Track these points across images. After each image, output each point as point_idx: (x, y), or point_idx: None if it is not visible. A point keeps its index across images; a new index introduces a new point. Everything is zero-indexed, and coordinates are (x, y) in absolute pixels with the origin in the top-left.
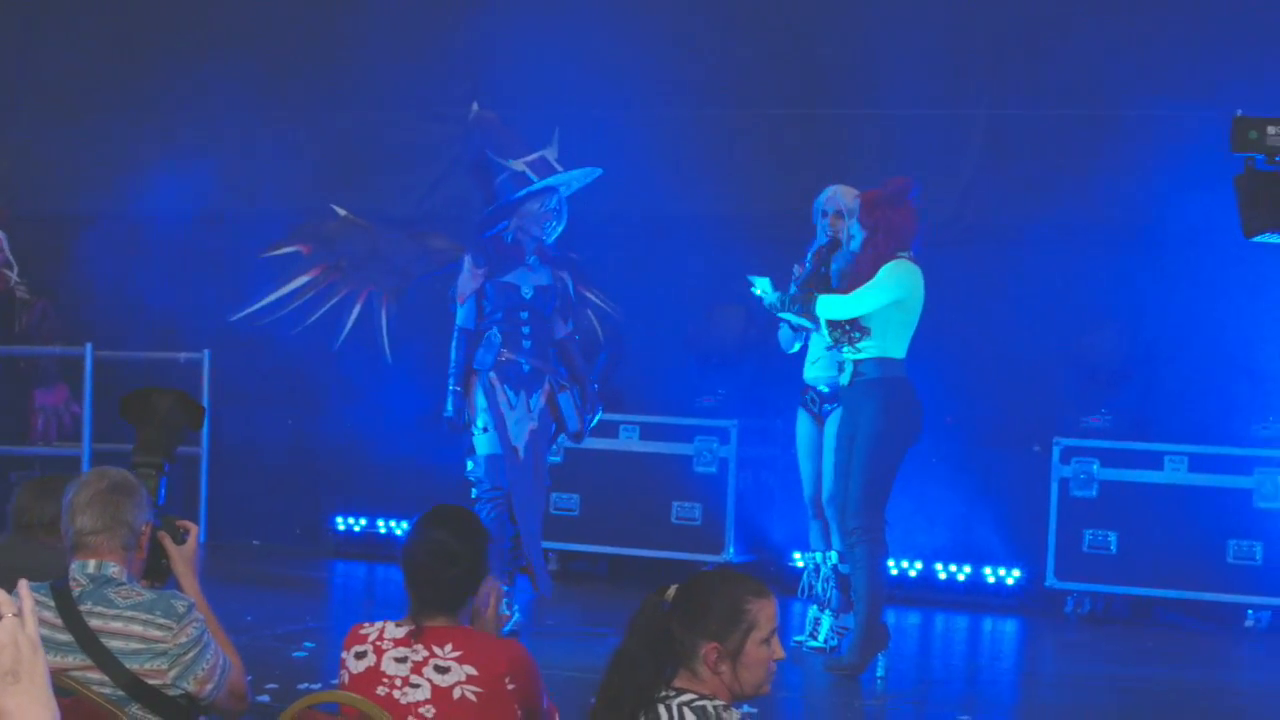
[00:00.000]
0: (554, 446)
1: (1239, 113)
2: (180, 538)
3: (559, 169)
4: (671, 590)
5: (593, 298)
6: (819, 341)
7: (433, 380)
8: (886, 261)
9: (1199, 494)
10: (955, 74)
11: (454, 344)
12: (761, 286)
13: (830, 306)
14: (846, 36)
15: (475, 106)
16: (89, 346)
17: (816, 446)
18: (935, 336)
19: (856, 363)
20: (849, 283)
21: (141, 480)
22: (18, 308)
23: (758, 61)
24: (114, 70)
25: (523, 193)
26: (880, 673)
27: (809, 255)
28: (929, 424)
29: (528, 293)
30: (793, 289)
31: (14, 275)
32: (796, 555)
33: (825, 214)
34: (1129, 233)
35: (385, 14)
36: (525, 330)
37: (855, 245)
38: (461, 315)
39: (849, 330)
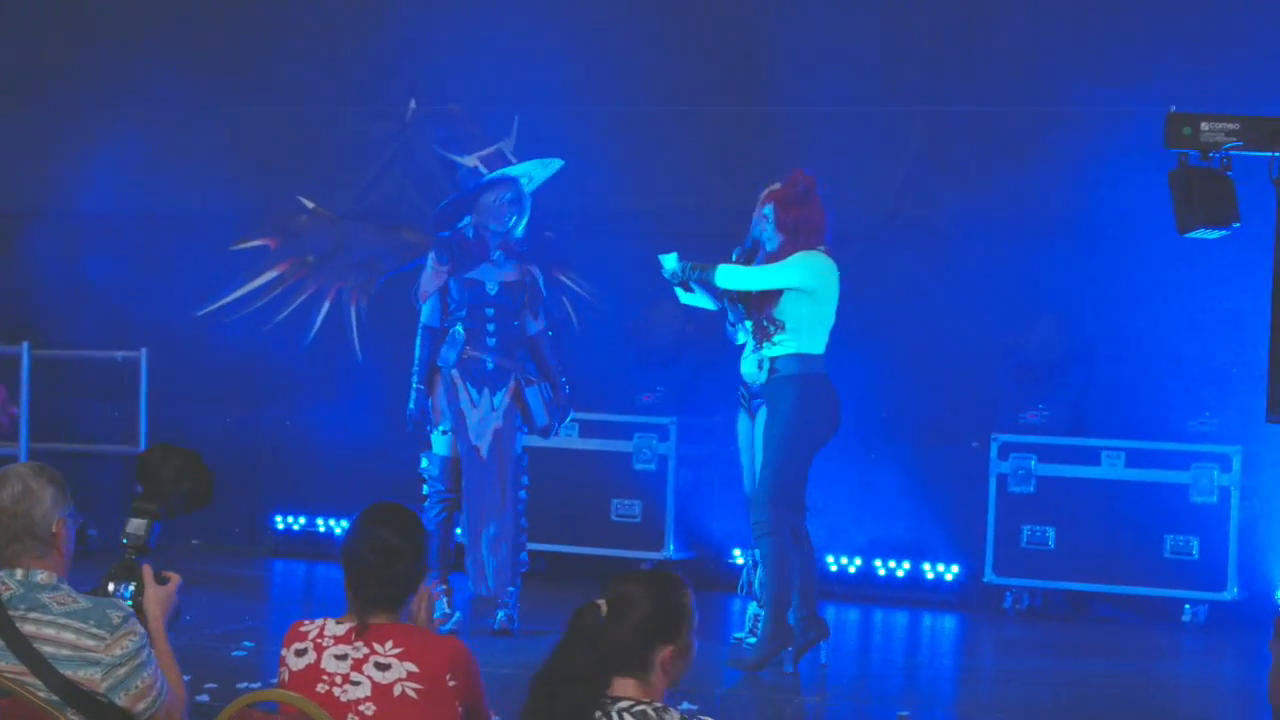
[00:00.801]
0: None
1: (1173, 109)
2: (161, 580)
3: (513, 161)
4: (604, 604)
5: (567, 281)
6: (746, 337)
7: (378, 377)
8: (798, 250)
9: (1136, 489)
10: (891, 70)
11: (418, 341)
12: (667, 262)
13: (730, 276)
14: (782, 33)
15: (413, 103)
16: (25, 345)
17: (751, 442)
18: (872, 332)
19: (773, 359)
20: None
21: (137, 515)
22: None
23: (694, 58)
24: (51, 64)
25: (475, 186)
26: (789, 668)
27: (733, 256)
28: (867, 420)
29: (492, 289)
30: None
31: None
32: (736, 552)
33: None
34: (1065, 228)
35: (324, 9)
36: (490, 327)
37: (773, 246)
38: (425, 312)
39: (765, 326)
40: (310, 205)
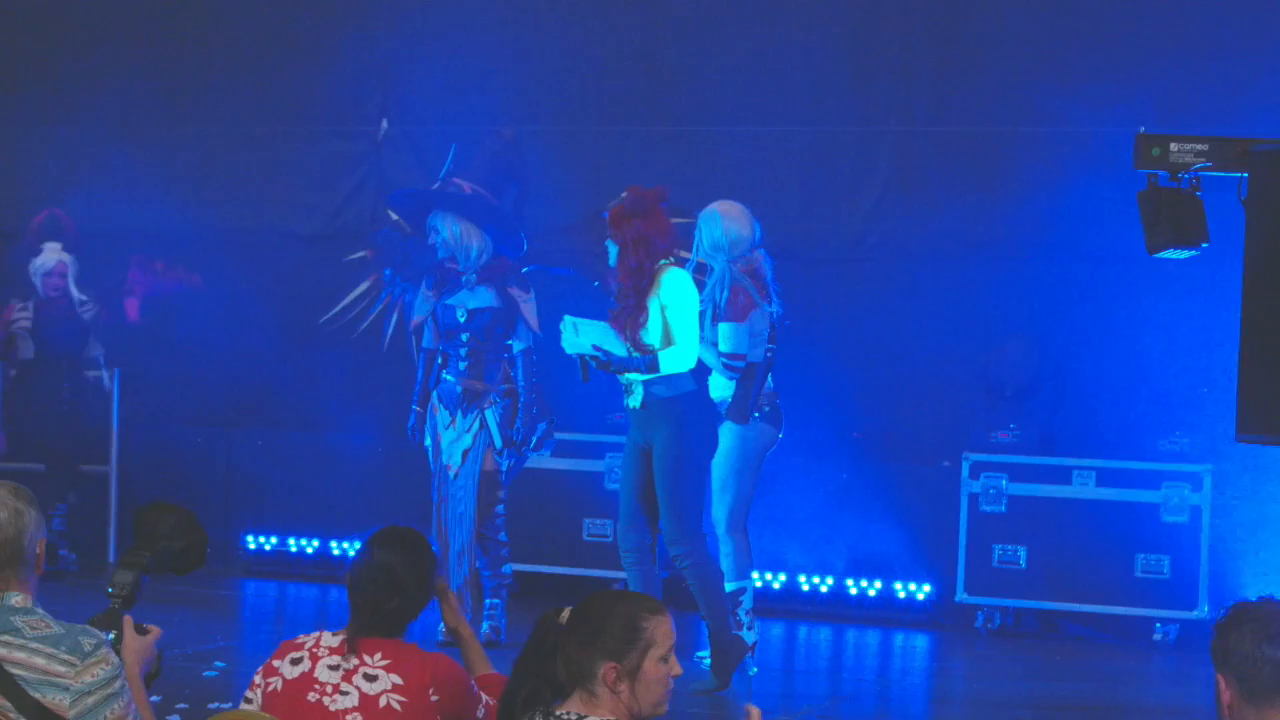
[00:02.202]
0: (502, 461)
1: (1142, 129)
2: (141, 632)
3: (463, 189)
4: (566, 613)
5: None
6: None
7: (352, 396)
8: (650, 273)
9: (1107, 508)
10: (861, 90)
11: (419, 363)
12: (577, 343)
13: (672, 360)
14: (753, 52)
15: (385, 124)
16: (1, 365)
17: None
18: (843, 353)
19: (646, 384)
20: (633, 308)
21: (124, 568)
22: (89, 328)
23: (663, 77)
24: (28, 84)
25: (427, 197)
26: (753, 671)
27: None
28: (839, 440)
29: (461, 315)
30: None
31: (76, 294)
32: None
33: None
34: (1035, 249)
35: (296, 30)
36: (462, 351)
37: (612, 260)
38: (425, 336)
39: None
40: (394, 218)
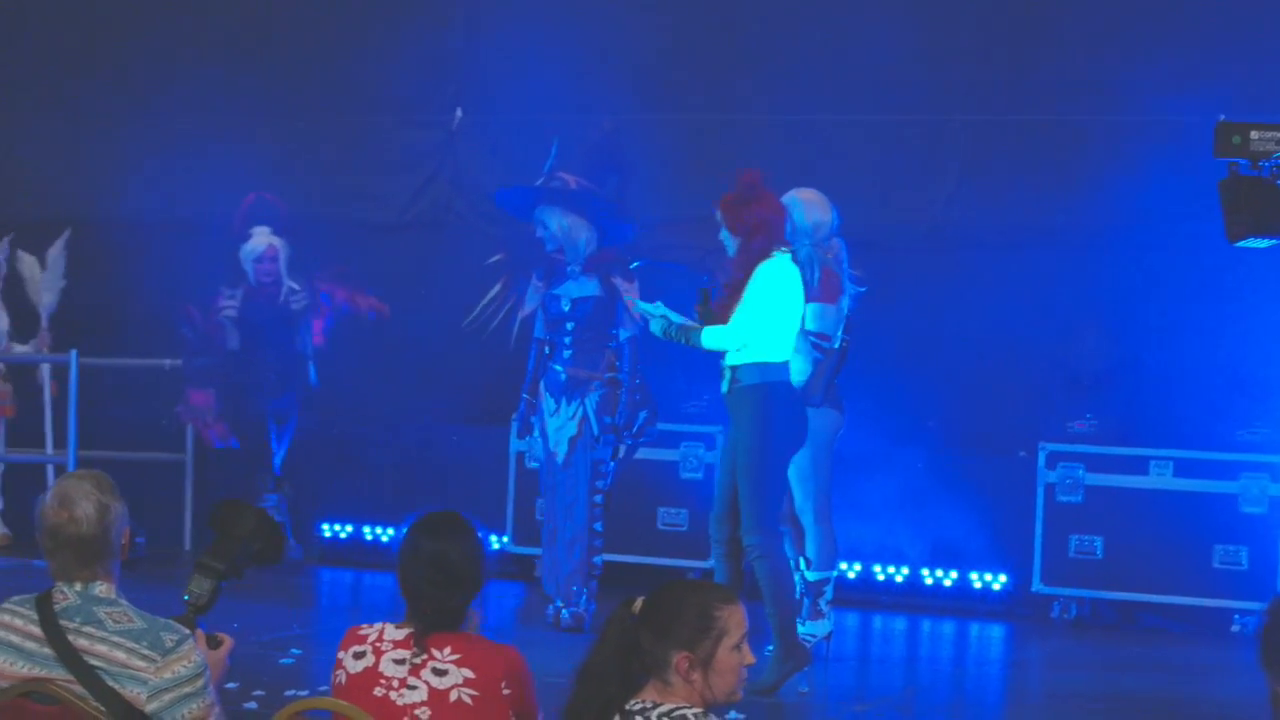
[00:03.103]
0: (603, 451)
1: (1223, 117)
2: (214, 644)
3: (570, 184)
4: (639, 602)
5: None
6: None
7: (426, 384)
8: (760, 259)
9: (1185, 499)
10: (936, 80)
11: (530, 353)
12: (653, 316)
13: (715, 338)
14: (827, 42)
15: (459, 113)
16: (74, 353)
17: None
18: (920, 343)
19: (734, 369)
20: (730, 292)
21: (202, 575)
22: (295, 316)
23: (740, 66)
24: (96, 72)
25: (536, 195)
26: (804, 688)
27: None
28: (915, 430)
29: (565, 305)
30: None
31: (287, 282)
32: None
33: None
34: (1114, 237)
35: (369, 19)
36: (567, 340)
37: (732, 251)
38: (536, 326)
39: None
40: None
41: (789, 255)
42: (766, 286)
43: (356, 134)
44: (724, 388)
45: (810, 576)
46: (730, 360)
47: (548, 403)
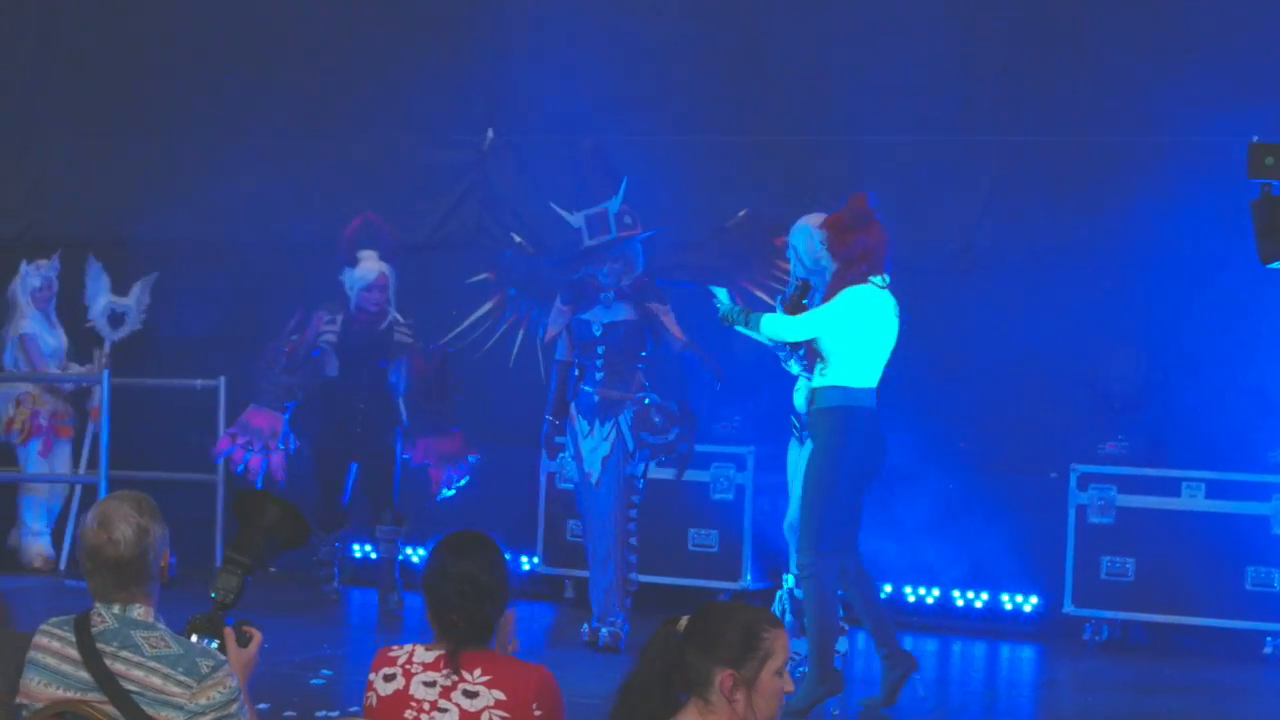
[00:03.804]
0: (636, 467)
1: (1255, 139)
2: (244, 640)
3: (611, 224)
4: (684, 621)
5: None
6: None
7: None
8: (851, 284)
9: (1217, 521)
10: (968, 100)
11: (552, 374)
12: (722, 295)
13: (773, 326)
14: (857, 62)
15: (490, 133)
16: (106, 374)
17: (799, 471)
18: (949, 363)
19: (815, 390)
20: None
21: (229, 572)
22: (394, 349)
23: (769, 87)
24: (134, 94)
25: (578, 251)
26: (835, 710)
27: (778, 301)
28: (946, 450)
29: (597, 330)
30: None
31: (393, 313)
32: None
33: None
34: (1145, 258)
35: (400, 40)
36: (599, 363)
37: (829, 275)
38: (558, 349)
39: (813, 359)
40: (518, 240)
41: (885, 284)
42: (849, 307)
43: (388, 154)
44: (800, 404)
45: (799, 594)
46: (814, 382)
47: (581, 425)
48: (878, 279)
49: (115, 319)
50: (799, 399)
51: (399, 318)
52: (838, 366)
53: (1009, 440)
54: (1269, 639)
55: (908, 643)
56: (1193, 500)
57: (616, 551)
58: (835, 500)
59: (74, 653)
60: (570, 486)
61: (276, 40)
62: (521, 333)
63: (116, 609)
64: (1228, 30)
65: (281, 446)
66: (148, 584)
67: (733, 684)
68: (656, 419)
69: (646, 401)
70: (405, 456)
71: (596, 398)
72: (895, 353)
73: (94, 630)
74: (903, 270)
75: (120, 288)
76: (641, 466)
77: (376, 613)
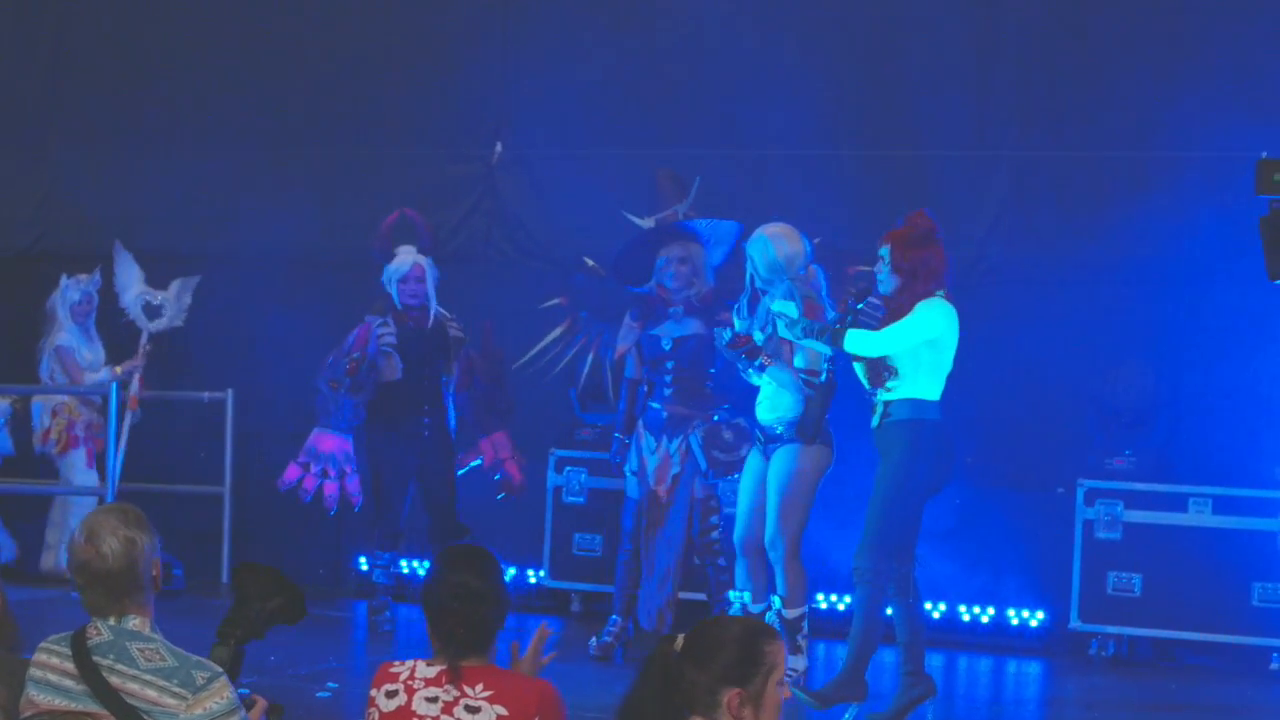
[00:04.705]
0: (714, 485)
1: (1264, 155)
2: (247, 704)
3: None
4: (680, 639)
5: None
6: (764, 382)
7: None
8: (924, 298)
9: (1224, 536)
10: (980, 115)
11: (622, 391)
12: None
13: (859, 342)
14: (872, 78)
15: (499, 146)
16: (114, 385)
17: (757, 484)
18: (958, 377)
19: (886, 403)
20: (889, 318)
21: (223, 644)
22: (453, 346)
23: (776, 101)
24: (132, 105)
25: (646, 232)
26: (850, 717)
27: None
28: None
29: (666, 344)
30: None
31: (436, 309)
32: (819, 596)
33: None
34: (1154, 274)
35: (409, 53)
36: (667, 379)
37: (887, 289)
38: (627, 366)
39: (881, 371)
40: (590, 263)
41: (945, 300)
42: (928, 320)
43: (396, 167)
44: (874, 422)
45: (788, 614)
46: (884, 395)
47: (647, 441)
48: (941, 293)
49: (151, 310)
50: (761, 410)
51: (445, 313)
52: (911, 379)
53: (1016, 455)
54: (1276, 654)
55: None
56: (1200, 516)
57: (676, 572)
58: (905, 511)
59: (72, 667)
60: (582, 501)
61: (286, 55)
62: (591, 355)
63: (112, 621)
64: (1238, 47)
65: (354, 469)
66: (140, 594)
67: (740, 702)
68: (727, 435)
69: (715, 418)
70: (477, 461)
71: (665, 414)
72: None
73: (90, 643)
74: None
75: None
76: (717, 485)
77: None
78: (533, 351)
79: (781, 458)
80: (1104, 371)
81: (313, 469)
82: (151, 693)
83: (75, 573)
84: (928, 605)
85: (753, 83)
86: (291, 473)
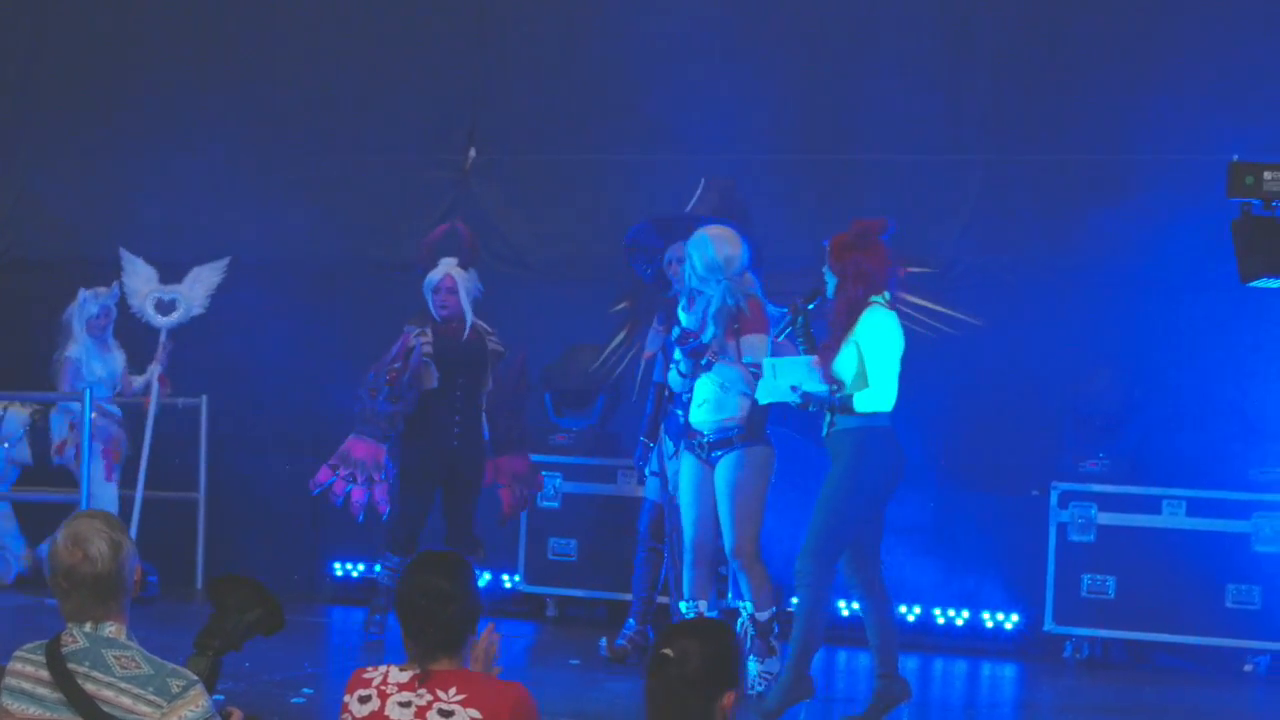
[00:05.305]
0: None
1: (1236, 158)
2: (223, 715)
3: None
4: (670, 652)
5: None
6: (703, 386)
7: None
8: (860, 308)
9: (1197, 538)
10: (953, 119)
11: (648, 397)
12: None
13: (866, 400)
14: (845, 82)
15: (473, 152)
16: (88, 392)
17: (703, 492)
18: (933, 380)
19: (834, 412)
20: (834, 334)
21: (201, 655)
22: (490, 359)
23: (752, 106)
24: (113, 114)
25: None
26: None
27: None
28: (926, 468)
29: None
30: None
31: (472, 321)
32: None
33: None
34: (1126, 277)
35: (382, 59)
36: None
37: (830, 292)
38: (655, 370)
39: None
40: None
41: (884, 302)
42: (877, 334)
43: (369, 174)
44: (824, 430)
45: (761, 618)
46: (851, 405)
47: (667, 445)
48: (878, 298)
49: (163, 306)
50: (701, 414)
51: (485, 326)
52: (864, 395)
53: (990, 457)
54: (1249, 656)
55: None
56: (1173, 518)
57: None
58: (850, 517)
59: (46, 675)
60: (557, 505)
61: (260, 62)
62: (644, 363)
63: (88, 627)
64: (1208, 50)
65: (384, 478)
66: (122, 599)
67: (735, 700)
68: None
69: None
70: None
71: (682, 419)
72: None
73: (65, 650)
74: None
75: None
76: None
77: (359, 632)
78: (602, 356)
79: (730, 464)
80: (1077, 374)
81: (340, 472)
82: (126, 700)
83: (60, 577)
84: (902, 609)
85: (727, 88)
86: (323, 474)
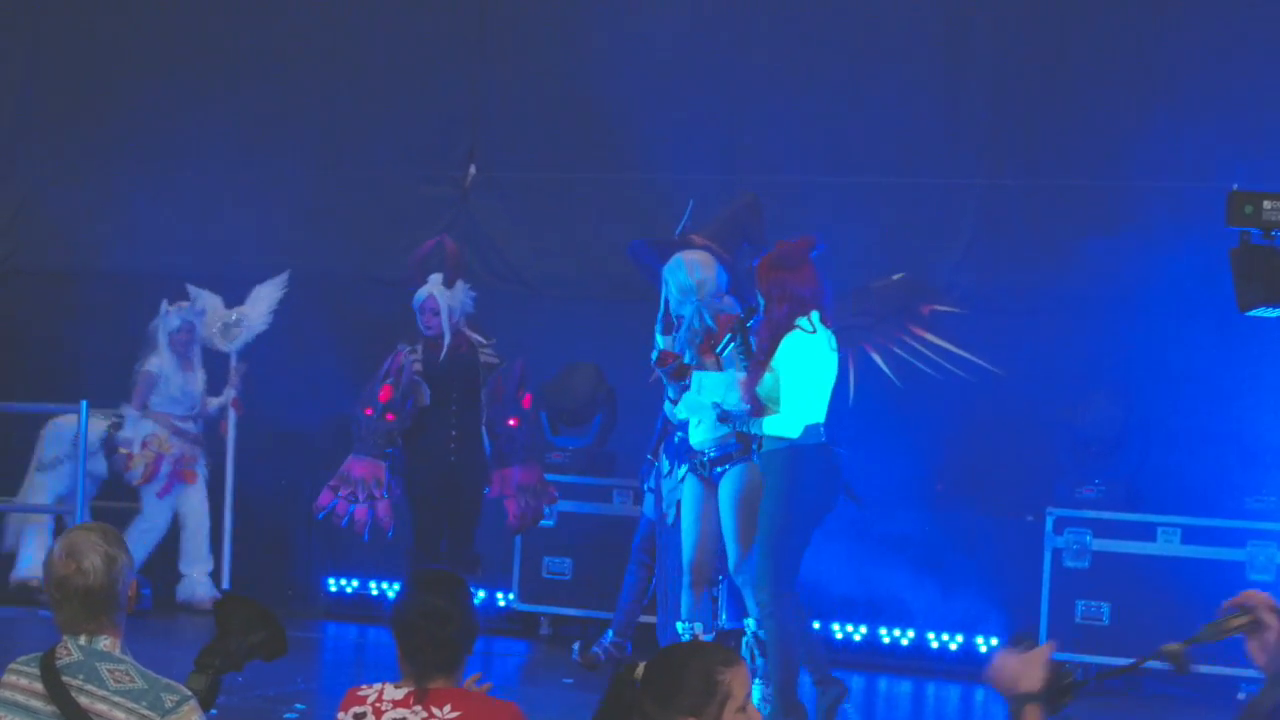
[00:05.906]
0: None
1: (1235, 187)
2: None
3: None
4: (640, 667)
5: None
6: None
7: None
8: (784, 330)
9: (1192, 566)
10: (951, 144)
11: (660, 414)
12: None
13: (776, 425)
14: (843, 105)
15: (472, 169)
16: (84, 404)
17: (704, 514)
18: (927, 405)
19: (762, 434)
20: (761, 357)
21: (201, 672)
22: (482, 371)
23: (750, 128)
24: (111, 129)
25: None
26: None
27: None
28: (922, 493)
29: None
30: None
31: (450, 341)
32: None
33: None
34: (1124, 304)
35: (382, 76)
36: None
37: (761, 312)
38: (671, 388)
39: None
40: None
41: (817, 319)
42: (794, 359)
43: (369, 190)
44: (699, 440)
45: (765, 636)
46: (755, 428)
47: (663, 464)
48: (803, 321)
49: (229, 330)
50: (698, 435)
51: (480, 339)
52: (772, 420)
53: (985, 482)
54: (1243, 684)
55: (882, 685)
56: (1168, 545)
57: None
58: (791, 539)
59: (40, 687)
60: (552, 524)
61: (260, 76)
62: (850, 366)
63: (83, 640)
64: (1208, 79)
65: (386, 495)
66: (115, 613)
67: None
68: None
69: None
70: (484, 490)
71: (678, 439)
72: (872, 396)
73: (60, 663)
74: None
75: (124, 320)
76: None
77: (353, 648)
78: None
79: (731, 479)
80: (1073, 400)
81: (341, 492)
82: (120, 714)
83: (54, 589)
84: (896, 632)
85: (726, 109)
86: (324, 498)
